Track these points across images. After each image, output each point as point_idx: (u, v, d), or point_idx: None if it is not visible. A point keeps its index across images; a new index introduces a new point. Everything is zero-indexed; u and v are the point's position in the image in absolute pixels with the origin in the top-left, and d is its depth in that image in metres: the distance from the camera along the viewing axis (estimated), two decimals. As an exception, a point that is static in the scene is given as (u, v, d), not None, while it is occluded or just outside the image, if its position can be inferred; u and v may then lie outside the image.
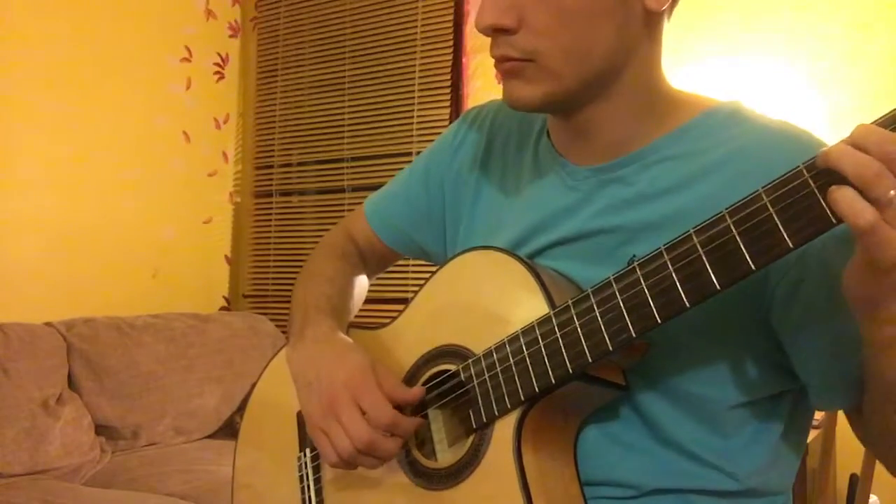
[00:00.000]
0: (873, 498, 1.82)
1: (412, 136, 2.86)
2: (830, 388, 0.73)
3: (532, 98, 0.76)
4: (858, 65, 2.18)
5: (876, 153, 0.53)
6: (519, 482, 0.71)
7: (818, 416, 1.86)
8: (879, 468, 1.62)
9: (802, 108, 2.12)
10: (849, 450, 1.97)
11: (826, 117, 2.10)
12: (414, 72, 2.87)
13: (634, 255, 0.68)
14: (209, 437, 2.58)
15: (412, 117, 2.87)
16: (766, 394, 0.76)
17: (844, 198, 0.54)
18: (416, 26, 2.87)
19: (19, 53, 2.54)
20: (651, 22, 0.76)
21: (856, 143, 0.54)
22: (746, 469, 0.77)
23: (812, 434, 1.91)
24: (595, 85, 0.76)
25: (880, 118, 0.56)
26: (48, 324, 2.40)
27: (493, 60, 0.77)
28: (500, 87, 0.79)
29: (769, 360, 0.74)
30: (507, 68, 0.76)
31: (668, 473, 0.76)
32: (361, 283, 1.04)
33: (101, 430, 2.37)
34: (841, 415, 1.70)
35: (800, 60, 2.24)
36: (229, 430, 2.57)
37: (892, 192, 0.53)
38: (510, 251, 0.80)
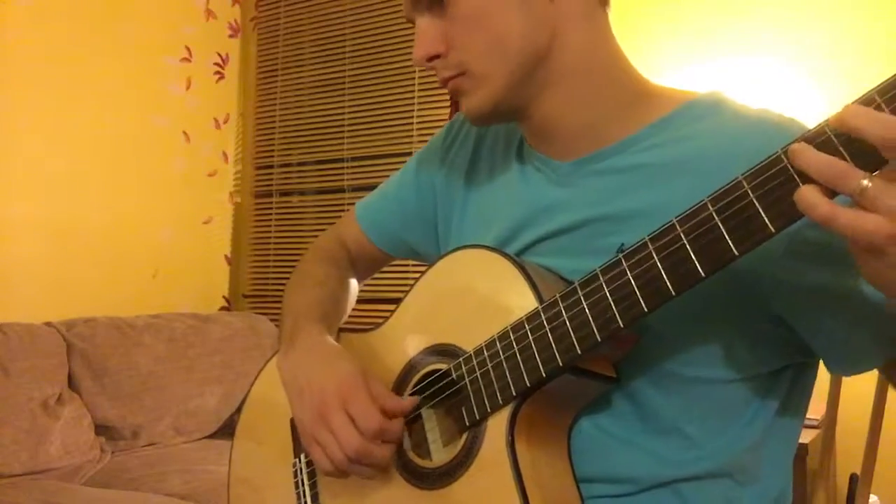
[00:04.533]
0: (873, 498, 1.81)
1: (412, 136, 2.87)
2: (858, 354, 0.72)
3: (479, 106, 0.80)
4: (858, 62, 2.17)
5: (873, 135, 0.52)
6: (513, 477, 0.71)
7: (818, 415, 1.86)
8: (879, 468, 1.62)
9: (802, 105, 2.12)
10: (849, 450, 1.97)
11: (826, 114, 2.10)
12: (414, 72, 2.87)
13: (623, 244, 0.68)
14: (209, 437, 2.58)
15: (412, 117, 2.87)
16: (765, 370, 0.76)
17: (800, 194, 0.54)
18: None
19: (19, 54, 2.55)
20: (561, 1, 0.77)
21: (846, 123, 0.53)
22: (741, 445, 0.77)
23: (812, 434, 1.91)
24: (529, 75, 0.78)
25: (862, 96, 0.55)
26: (48, 324, 2.41)
27: None
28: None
29: (769, 338, 0.74)
30: (451, 88, 0.81)
31: (662, 464, 0.76)
32: (352, 287, 1.05)
33: (101, 430, 2.38)
34: (841, 415, 1.71)
35: (800, 57, 2.24)
36: (229, 430, 2.55)
37: (864, 182, 0.52)
38: (497, 248, 0.80)
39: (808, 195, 0.54)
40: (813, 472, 1.87)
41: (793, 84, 2.23)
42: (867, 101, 0.54)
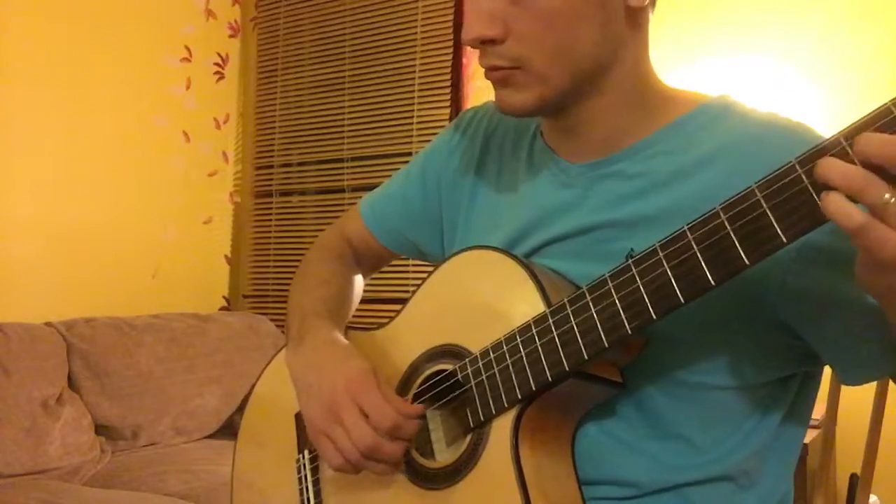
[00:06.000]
0: (873, 498, 1.82)
1: (412, 136, 2.87)
2: (866, 362, 0.72)
3: (524, 104, 0.77)
4: (856, 63, 2.18)
5: (878, 157, 0.52)
6: (517, 480, 0.71)
7: (818, 415, 1.86)
8: (879, 468, 1.62)
9: (801, 106, 2.12)
10: (849, 450, 1.97)
11: (824, 115, 2.10)
12: (414, 72, 2.87)
13: (632, 249, 0.68)
14: (209, 437, 2.58)
15: (412, 117, 2.87)
16: (771, 378, 0.76)
17: (833, 202, 0.53)
18: (416, 26, 2.87)
19: (19, 53, 2.54)
20: (634, 17, 0.76)
21: (860, 152, 0.53)
22: (745, 452, 0.77)
23: (812, 434, 1.91)
24: (584, 84, 0.77)
25: (865, 118, 0.55)
26: (48, 324, 2.41)
27: None
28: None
29: (776, 345, 0.74)
30: (497, 77, 0.77)
31: (666, 469, 0.76)
32: (357, 284, 1.04)
33: (101, 430, 2.38)
34: (841, 415, 1.71)
35: (798, 58, 2.24)
36: (229, 430, 2.58)
37: (886, 196, 0.52)
38: (506, 250, 0.80)
39: (841, 203, 0.53)
40: (813, 472, 1.87)
41: (794, 85, 2.23)
42: (884, 112, 0.54)
